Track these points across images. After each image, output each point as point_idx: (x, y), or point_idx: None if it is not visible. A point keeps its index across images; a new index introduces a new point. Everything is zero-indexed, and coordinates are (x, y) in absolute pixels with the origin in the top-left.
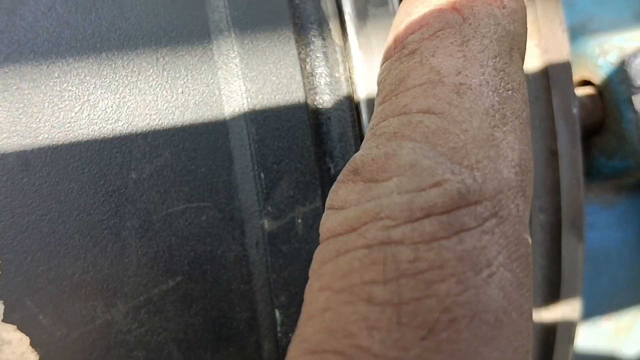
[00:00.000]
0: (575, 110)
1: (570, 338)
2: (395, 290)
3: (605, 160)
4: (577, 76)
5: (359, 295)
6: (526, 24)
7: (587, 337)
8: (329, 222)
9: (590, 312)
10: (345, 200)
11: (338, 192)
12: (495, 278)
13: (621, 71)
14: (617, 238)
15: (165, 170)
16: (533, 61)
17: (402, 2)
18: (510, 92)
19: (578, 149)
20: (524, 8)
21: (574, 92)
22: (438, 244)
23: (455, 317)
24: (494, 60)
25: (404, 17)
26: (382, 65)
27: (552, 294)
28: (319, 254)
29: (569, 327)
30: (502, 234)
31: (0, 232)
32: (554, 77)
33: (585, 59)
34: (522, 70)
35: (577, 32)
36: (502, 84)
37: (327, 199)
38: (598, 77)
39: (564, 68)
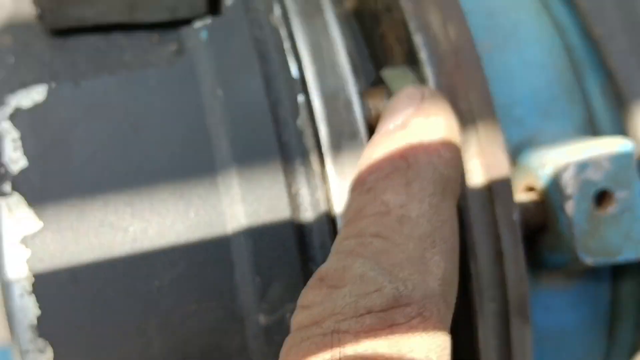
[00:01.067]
0: (515, 217)
1: None
2: None
3: (548, 254)
4: (524, 183)
5: None
6: (459, 167)
7: None
8: (298, 317)
9: None
10: (311, 301)
11: (307, 295)
12: None
13: (555, 182)
14: (573, 319)
15: (181, 278)
16: (478, 177)
17: (367, 146)
18: (440, 223)
19: (519, 249)
20: (458, 156)
21: (514, 202)
22: (374, 333)
23: None
24: (429, 198)
25: (366, 160)
26: (349, 195)
27: None
28: (288, 341)
29: None
30: (424, 328)
31: (54, 332)
32: (496, 190)
33: (529, 170)
34: (453, 205)
35: (524, 146)
36: (434, 216)
37: (299, 299)
38: (539, 185)
39: (504, 182)
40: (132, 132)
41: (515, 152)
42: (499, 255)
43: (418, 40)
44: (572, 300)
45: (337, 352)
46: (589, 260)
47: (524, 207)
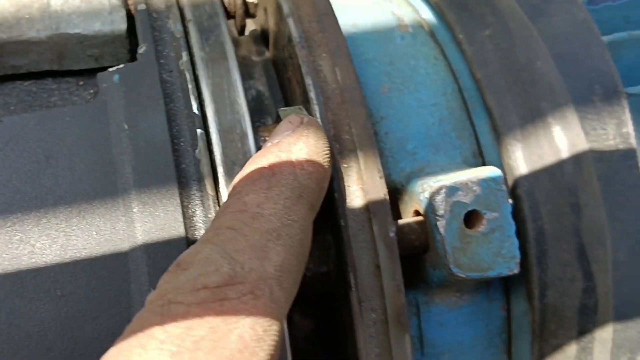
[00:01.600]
0: (392, 234)
1: None
2: (168, 331)
3: (432, 271)
4: (412, 207)
5: (144, 337)
6: (320, 181)
7: None
8: (150, 295)
9: None
10: (163, 281)
11: (162, 277)
12: (237, 331)
13: (430, 204)
14: (468, 334)
15: (81, 288)
16: (358, 200)
17: (248, 161)
18: (290, 221)
19: (396, 263)
20: (320, 171)
21: (391, 221)
22: (206, 306)
23: (200, 347)
24: (284, 201)
25: (243, 172)
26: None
27: None
28: (138, 315)
29: None
30: (254, 305)
31: None
32: (374, 210)
33: (414, 195)
34: (308, 210)
35: (414, 175)
36: (285, 215)
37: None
38: (421, 208)
39: (382, 204)
40: (44, 160)
41: (407, 181)
42: (377, 269)
43: (308, 81)
44: (466, 317)
45: (170, 319)
46: (461, 275)
47: (410, 228)
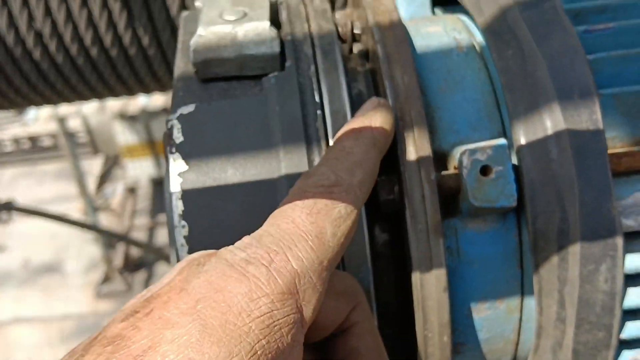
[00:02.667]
0: (433, 177)
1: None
2: (304, 202)
3: (462, 204)
4: (452, 165)
5: (289, 204)
6: (387, 137)
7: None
8: (291, 189)
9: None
10: (299, 182)
11: (298, 181)
12: (337, 208)
13: (460, 160)
14: (491, 251)
15: (246, 201)
16: (412, 156)
17: (345, 124)
18: (367, 157)
19: (434, 195)
20: (387, 131)
21: (432, 169)
22: (322, 194)
23: (320, 211)
24: (365, 146)
25: (342, 130)
26: None
27: None
28: (285, 199)
29: None
30: (346, 198)
31: (191, 218)
32: (422, 162)
33: (453, 156)
34: (378, 153)
35: (457, 145)
36: (365, 154)
37: None
38: (456, 163)
39: (427, 158)
40: (234, 127)
41: (451, 149)
42: (422, 198)
43: (386, 84)
44: (489, 239)
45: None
46: (476, 204)
47: (449, 176)
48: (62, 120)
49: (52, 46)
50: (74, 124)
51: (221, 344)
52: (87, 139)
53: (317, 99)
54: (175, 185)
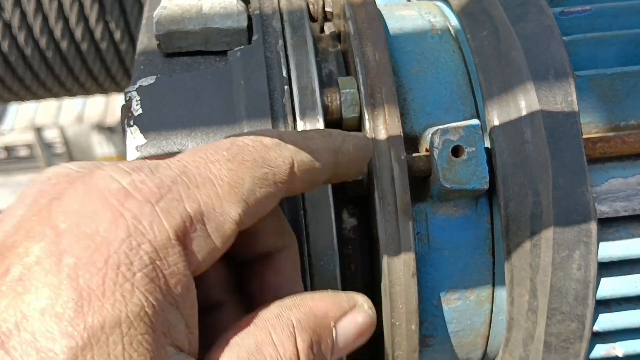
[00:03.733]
0: (403, 157)
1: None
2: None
3: (433, 186)
4: (424, 147)
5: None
6: (347, 164)
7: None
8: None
9: None
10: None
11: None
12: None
13: (431, 140)
14: (462, 238)
15: None
16: (382, 135)
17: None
18: None
19: (404, 175)
20: (351, 156)
21: (403, 148)
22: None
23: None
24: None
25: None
26: None
27: None
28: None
29: None
30: None
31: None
32: (392, 141)
33: (425, 138)
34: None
35: (428, 127)
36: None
37: None
38: (427, 144)
39: (397, 138)
40: (195, 100)
41: (423, 131)
42: (392, 179)
43: (356, 60)
44: (460, 225)
45: None
46: (447, 186)
47: (420, 158)
48: (38, 131)
49: (21, 37)
50: (51, 134)
51: (104, 312)
52: (64, 150)
53: (284, 73)
54: (132, 159)
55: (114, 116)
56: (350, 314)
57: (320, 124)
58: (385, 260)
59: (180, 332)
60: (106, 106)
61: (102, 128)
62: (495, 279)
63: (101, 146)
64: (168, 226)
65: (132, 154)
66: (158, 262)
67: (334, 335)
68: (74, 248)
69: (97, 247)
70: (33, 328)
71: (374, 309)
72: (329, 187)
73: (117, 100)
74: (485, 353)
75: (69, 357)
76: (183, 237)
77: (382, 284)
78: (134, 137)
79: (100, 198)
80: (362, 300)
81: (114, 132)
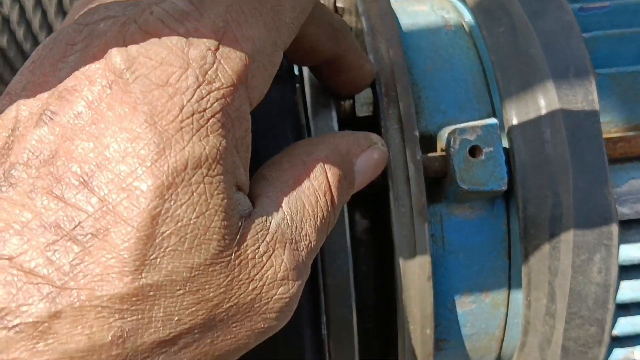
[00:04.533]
0: (418, 157)
1: None
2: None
3: (449, 188)
4: (439, 146)
5: None
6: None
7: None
8: None
9: None
10: None
11: None
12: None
13: (447, 140)
14: (478, 240)
15: None
16: (396, 134)
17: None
18: None
19: (420, 176)
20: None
21: (418, 148)
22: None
23: None
24: None
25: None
26: None
27: None
28: None
29: None
30: None
31: None
32: (407, 140)
33: (440, 137)
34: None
35: (443, 126)
36: None
37: None
38: (443, 144)
39: (413, 136)
40: None
41: (438, 130)
42: (407, 179)
43: (370, 57)
44: (476, 227)
45: None
46: (464, 187)
47: (435, 158)
48: None
49: (20, 33)
50: None
51: (185, 154)
52: None
53: (296, 71)
54: None
55: None
56: (367, 150)
57: (333, 123)
58: (400, 263)
59: (241, 173)
60: None
61: None
62: (511, 283)
63: None
64: (231, 72)
65: None
66: (226, 108)
67: (354, 170)
68: (146, 97)
69: (170, 97)
70: (117, 169)
71: (386, 145)
72: None
73: None
74: (499, 357)
75: (156, 194)
76: (245, 79)
77: (397, 287)
78: None
79: (166, 48)
80: (376, 138)
81: None
